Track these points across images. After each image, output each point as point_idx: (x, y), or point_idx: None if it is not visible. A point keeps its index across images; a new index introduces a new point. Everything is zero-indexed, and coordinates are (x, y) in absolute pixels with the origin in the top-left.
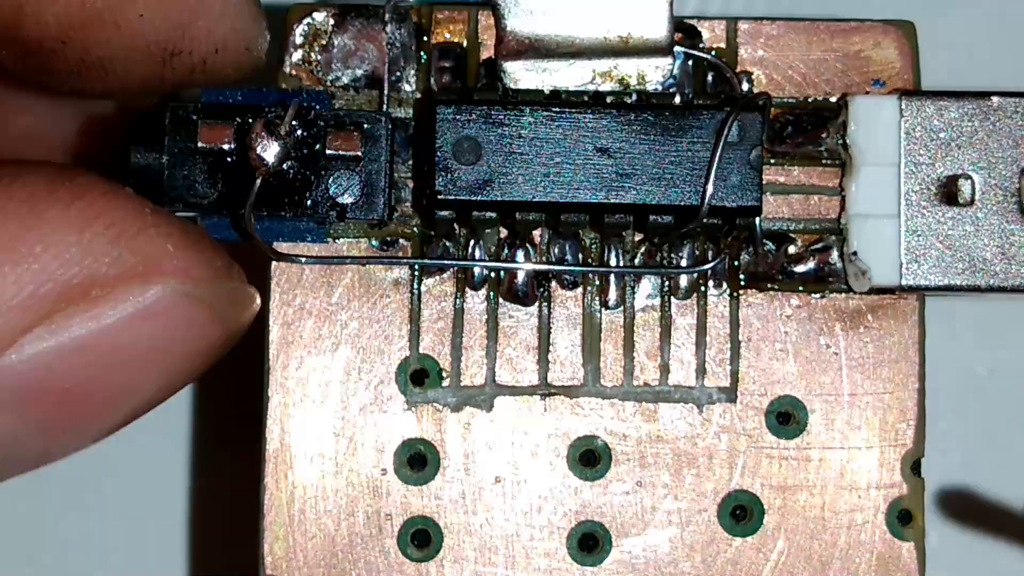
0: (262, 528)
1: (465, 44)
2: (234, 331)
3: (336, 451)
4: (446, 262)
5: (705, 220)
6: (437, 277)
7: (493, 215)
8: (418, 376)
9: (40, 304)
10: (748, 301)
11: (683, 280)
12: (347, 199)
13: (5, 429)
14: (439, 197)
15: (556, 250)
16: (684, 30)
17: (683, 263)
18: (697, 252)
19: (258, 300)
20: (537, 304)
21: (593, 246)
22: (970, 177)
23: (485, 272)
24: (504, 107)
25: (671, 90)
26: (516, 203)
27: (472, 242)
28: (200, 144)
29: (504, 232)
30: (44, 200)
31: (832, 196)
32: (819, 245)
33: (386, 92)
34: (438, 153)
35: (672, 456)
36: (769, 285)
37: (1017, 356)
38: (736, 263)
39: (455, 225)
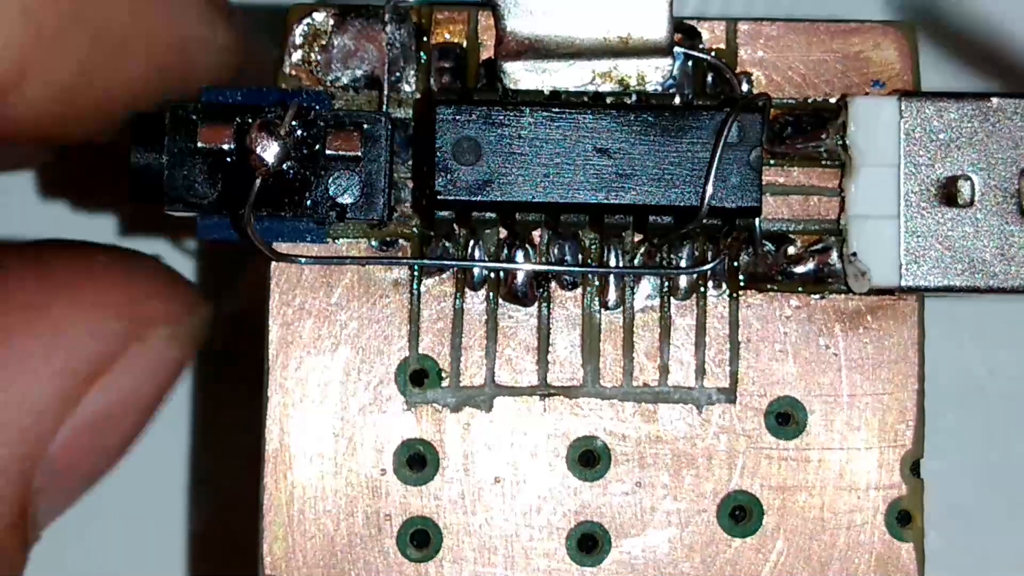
0: (261, 528)
1: (465, 44)
2: (201, 343)
3: (335, 451)
4: (446, 262)
5: (705, 221)
6: (437, 277)
7: (493, 215)
8: (417, 376)
9: (69, 395)
10: (747, 302)
11: (683, 281)
12: (347, 199)
13: (60, 503)
14: (439, 197)
15: (556, 251)
16: (684, 31)
17: (683, 264)
18: (696, 253)
19: (208, 308)
20: (536, 304)
21: (593, 247)
22: (970, 178)
23: (485, 272)
24: (504, 107)
25: (671, 91)
26: (516, 203)
27: (472, 242)
28: (200, 144)
29: (504, 232)
30: (41, 300)
31: (832, 197)
32: (819, 246)
33: (386, 92)
34: (438, 153)
35: (671, 457)
36: (769, 286)
37: (1017, 356)
38: (736, 264)
39: (455, 225)
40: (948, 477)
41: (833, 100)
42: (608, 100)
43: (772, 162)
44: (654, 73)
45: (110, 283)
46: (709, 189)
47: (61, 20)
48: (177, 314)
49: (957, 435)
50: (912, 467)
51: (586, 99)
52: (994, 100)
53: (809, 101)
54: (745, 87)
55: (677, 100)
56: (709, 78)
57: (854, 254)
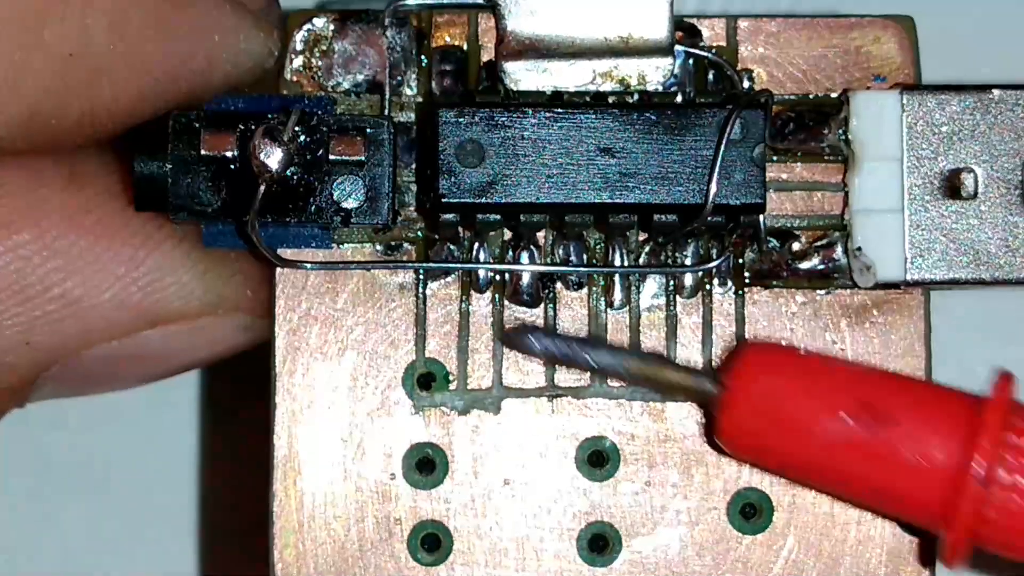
0: (272, 535)
1: (466, 47)
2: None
3: (344, 457)
4: (451, 265)
5: (709, 218)
6: (442, 280)
7: (497, 217)
8: (425, 380)
9: (128, 325)
10: (753, 299)
11: (688, 279)
12: (351, 204)
13: (53, 392)
14: (443, 200)
15: (560, 251)
16: (684, 29)
17: (687, 262)
18: (701, 251)
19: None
20: (542, 306)
21: (597, 246)
22: (973, 170)
23: (490, 275)
24: (506, 109)
25: (672, 89)
26: (520, 205)
27: (476, 245)
28: (203, 152)
29: (508, 234)
30: (152, 238)
31: (835, 192)
32: (823, 241)
33: (387, 97)
34: (441, 156)
35: (680, 455)
36: (774, 282)
37: (1021, 351)
38: (740, 261)
39: (459, 228)
40: None
41: (835, 95)
42: (610, 100)
43: (775, 158)
44: (655, 72)
45: (220, 255)
46: (713, 187)
47: (22, 48)
48: (261, 310)
49: None
50: None
51: (588, 99)
52: (995, 92)
53: (811, 97)
54: (747, 84)
55: (679, 98)
56: (710, 76)
57: (859, 249)
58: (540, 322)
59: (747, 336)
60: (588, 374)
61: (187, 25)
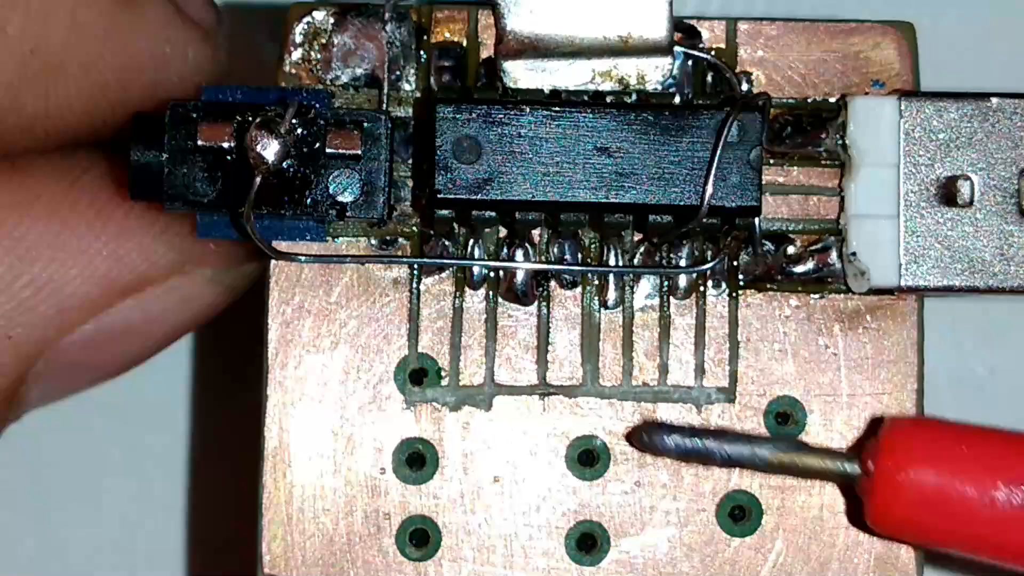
0: (260, 527)
1: (465, 43)
2: (238, 296)
3: (335, 450)
4: (445, 261)
5: (704, 220)
6: (436, 276)
7: (493, 214)
8: (417, 375)
9: (99, 299)
10: (747, 301)
11: (682, 280)
12: (347, 198)
13: (47, 394)
14: (439, 196)
15: (555, 250)
16: (684, 30)
17: (682, 263)
18: (696, 252)
19: (257, 268)
20: (536, 304)
21: (592, 246)
22: (969, 178)
23: (484, 271)
24: (504, 106)
25: (671, 90)
26: (516, 202)
27: (471, 241)
28: (200, 142)
29: (503, 231)
30: (108, 204)
31: (831, 197)
32: (818, 245)
33: (385, 91)
34: (438, 152)
35: None
36: (768, 285)
37: (1016, 357)
38: (735, 263)
39: (454, 224)
40: None
41: (833, 100)
42: (608, 99)
43: (772, 162)
44: (654, 72)
45: (177, 217)
46: (709, 188)
47: None
48: (226, 260)
49: None
50: None
51: (586, 98)
52: (994, 100)
53: (809, 101)
54: (745, 86)
55: (677, 99)
56: (709, 77)
57: (853, 254)
58: (535, 320)
59: (740, 339)
60: (581, 375)
61: (140, 33)
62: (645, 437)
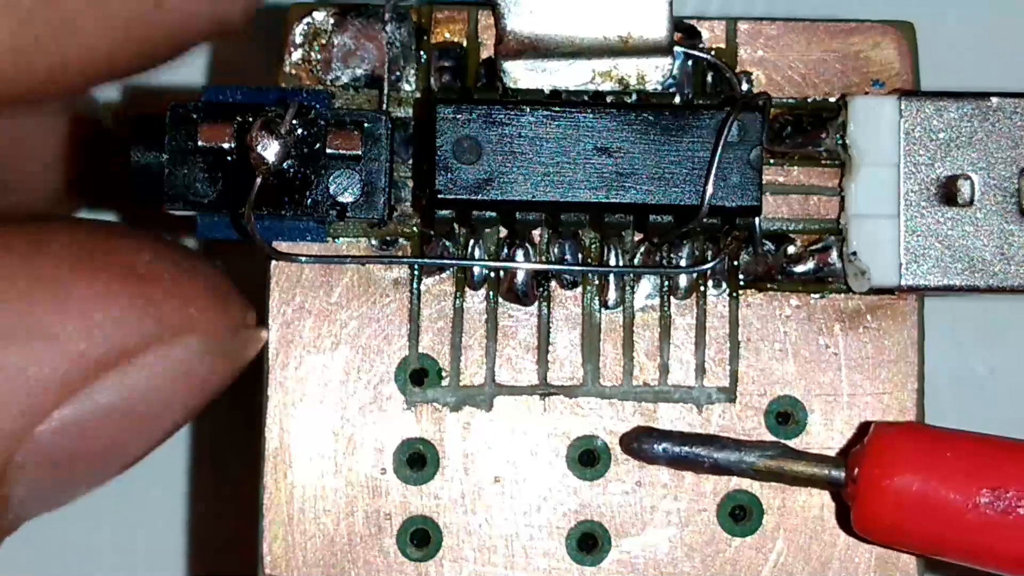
0: (261, 528)
1: (465, 44)
2: (242, 367)
3: (335, 451)
4: (446, 261)
5: (705, 220)
6: (436, 277)
7: (493, 214)
8: (417, 376)
9: (72, 380)
10: (747, 301)
11: (682, 280)
12: (347, 198)
13: (38, 492)
14: (439, 196)
15: (555, 250)
16: (684, 30)
17: (682, 263)
18: (696, 252)
19: (265, 336)
20: (536, 304)
21: (593, 246)
22: (969, 177)
23: (485, 272)
24: (504, 107)
25: (671, 90)
26: (516, 202)
27: (471, 242)
28: (200, 143)
29: (504, 232)
30: (73, 272)
31: (831, 196)
32: (818, 245)
33: (386, 91)
34: (438, 152)
35: None
36: (768, 285)
37: (1016, 356)
38: (736, 263)
39: (454, 224)
40: None
41: (833, 99)
42: (608, 99)
43: (772, 161)
44: (654, 72)
45: (149, 277)
46: (709, 188)
47: None
48: (216, 328)
49: None
50: None
51: (586, 98)
52: (994, 99)
53: (809, 101)
54: (745, 86)
55: (677, 99)
56: (709, 77)
57: (854, 253)
58: (535, 320)
59: (740, 339)
60: (582, 375)
61: None
62: (635, 444)
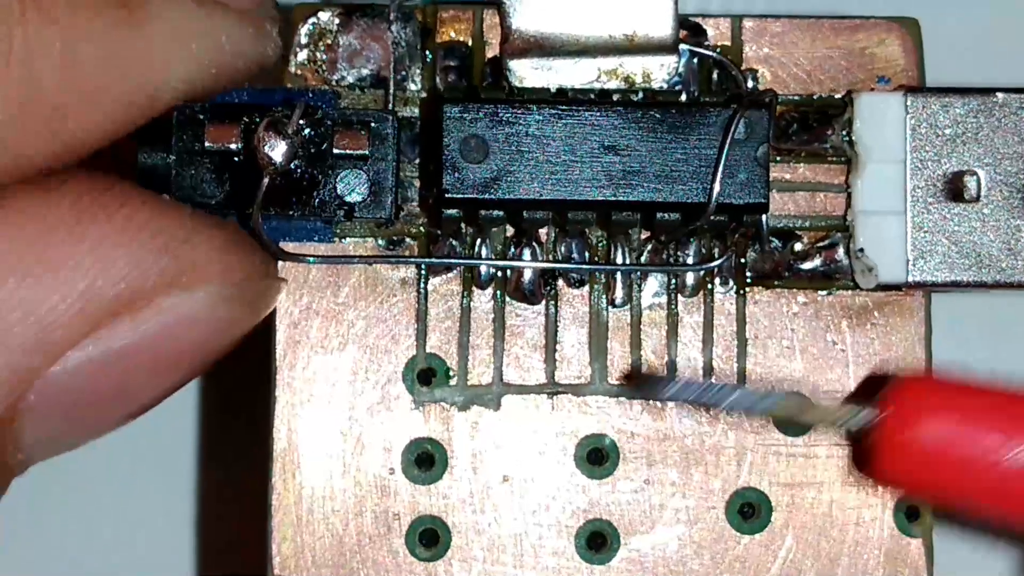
0: (270, 528)
1: (470, 43)
2: (260, 318)
3: (343, 451)
4: (453, 261)
5: (712, 217)
6: (444, 276)
7: (500, 214)
8: (425, 375)
9: (87, 319)
10: (755, 298)
11: (690, 278)
12: (354, 198)
13: (49, 433)
14: (447, 196)
15: (563, 248)
16: (689, 28)
17: (689, 261)
18: (703, 250)
19: (283, 286)
20: (544, 303)
21: (600, 244)
22: (976, 173)
23: (492, 271)
24: (510, 105)
25: (677, 88)
26: (523, 201)
27: (479, 241)
28: (207, 144)
29: (511, 231)
30: (89, 210)
31: (838, 193)
32: (825, 242)
33: (391, 91)
34: (445, 152)
35: (680, 454)
36: (776, 282)
37: (1020, 354)
38: (742, 260)
39: (462, 224)
40: None
41: (839, 96)
42: (614, 97)
43: (778, 159)
44: (660, 70)
45: (170, 218)
46: (716, 186)
47: None
48: (234, 274)
49: None
50: None
51: (592, 96)
52: (999, 95)
53: (815, 98)
54: (751, 84)
55: (683, 97)
56: (715, 75)
57: (861, 250)
58: (542, 319)
59: (748, 336)
60: (590, 374)
61: (154, 45)
62: (647, 386)
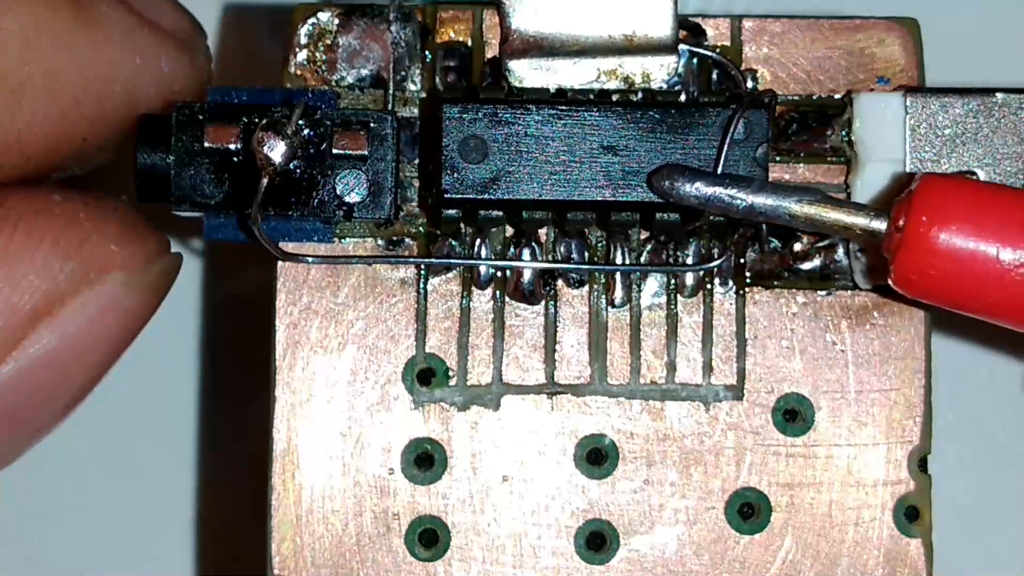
0: (270, 528)
1: (470, 43)
2: (165, 295)
3: (343, 451)
4: (452, 261)
5: (711, 217)
6: (443, 276)
7: (499, 214)
8: (425, 375)
9: (10, 335)
10: (754, 299)
11: (689, 278)
12: (354, 198)
13: None
14: (446, 196)
15: (562, 249)
16: (688, 28)
17: (689, 261)
18: (703, 250)
19: (180, 259)
20: (543, 303)
21: (599, 244)
22: (975, 173)
23: (491, 271)
24: (510, 106)
25: (676, 88)
26: (523, 201)
27: (478, 241)
28: (207, 144)
29: (510, 231)
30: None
31: (837, 193)
32: (825, 242)
33: (391, 91)
34: (445, 152)
35: (679, 454)
36: (775, 283)
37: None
38: (742, 261)
39: (461, 224)
40: (948, 477)
41: (838, 96)
42: (614, 98)
43: (778, 159)
44: (659, 70)
45: (65, 222)
46: None
47: None
48: (136, 260)
49: (957, 435)
50: (920, 463)
51: (592, 97)
52: (999, 95)
53: (814, 98)
54: (750, 84)
55: (683, 97)
56: (714, 75)
57: (860, 250)
58: (542, 319)
59: (747, 337)
60: (589, 374)
61: (103, 48)
62: (666, 182)
